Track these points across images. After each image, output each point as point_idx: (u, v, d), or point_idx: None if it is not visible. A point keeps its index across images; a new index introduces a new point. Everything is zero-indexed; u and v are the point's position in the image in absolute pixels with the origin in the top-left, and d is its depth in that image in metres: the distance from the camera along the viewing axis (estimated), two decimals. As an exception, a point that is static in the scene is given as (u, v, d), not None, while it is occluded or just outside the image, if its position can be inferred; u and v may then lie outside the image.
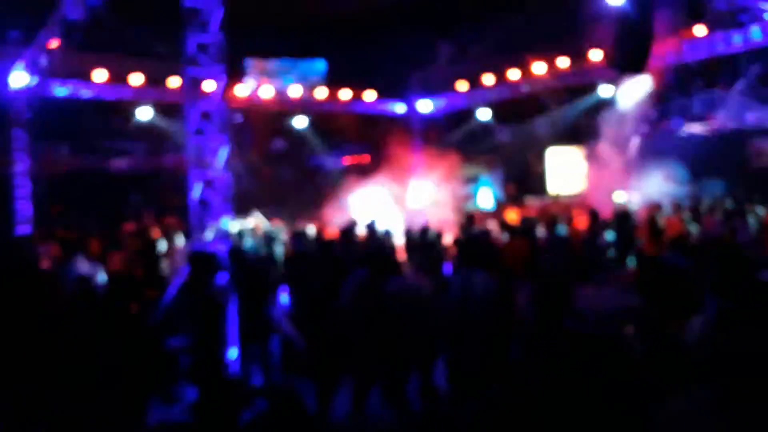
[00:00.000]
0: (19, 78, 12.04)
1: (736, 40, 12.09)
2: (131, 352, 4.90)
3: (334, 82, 17.19)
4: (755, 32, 11.65)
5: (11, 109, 12.37)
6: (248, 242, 10.06)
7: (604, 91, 14.71)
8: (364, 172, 17.36)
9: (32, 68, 11.81)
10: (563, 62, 14.42)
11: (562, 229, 9.77)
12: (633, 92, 14.30)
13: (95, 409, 4.40)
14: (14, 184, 12.38)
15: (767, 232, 9.80)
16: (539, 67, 14.67)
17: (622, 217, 10.47)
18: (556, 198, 16.00)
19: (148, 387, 5.12)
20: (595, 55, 13.64)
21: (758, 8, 11.09)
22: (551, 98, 16.45)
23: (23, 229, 12.16)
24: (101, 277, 6.63)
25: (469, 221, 10.80)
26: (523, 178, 17.03)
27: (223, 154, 6.65)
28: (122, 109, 15.71)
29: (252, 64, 17.66)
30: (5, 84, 11.96)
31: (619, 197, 13.57)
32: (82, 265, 6.86)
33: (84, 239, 8.33)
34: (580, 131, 15.48)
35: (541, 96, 16.28)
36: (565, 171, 16.48)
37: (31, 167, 12.66)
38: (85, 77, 13.66)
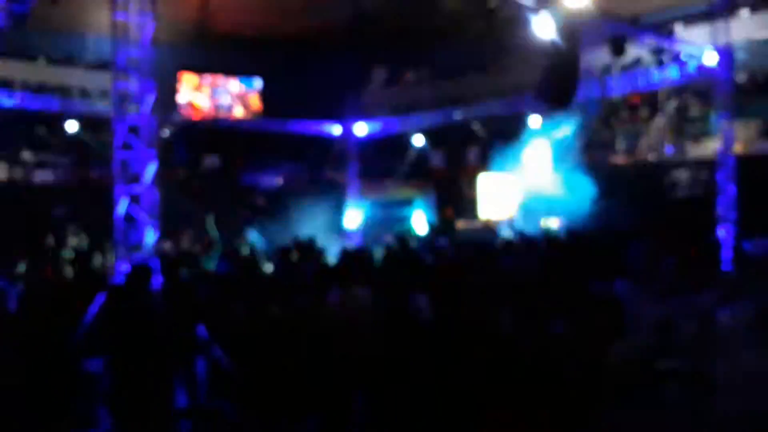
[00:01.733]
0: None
1: (656, 77, 12.81)
2: (44, 373, 4.70)
3: (270, 100, 17.13)
4: (673, 70, 12.39)
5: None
6: None
7: (533, 121, 15.18)
8: (299, 191, 17.31)
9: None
10: (493, 91, 14.87)
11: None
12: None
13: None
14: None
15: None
16: (470, 96, 15.07)
17: (549, 242, 10.77)
18: (487, 222, 16.33)
19: (63, 410, 4.92)
20: (525, 86, 14.12)
21: (675, 49, 11.78)
22: (483, 126, 16.88)
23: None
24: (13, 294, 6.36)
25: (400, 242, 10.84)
26: (456, 203, 17.31)
27: (151, 169, 6.49)
28: (47, 120, 15.13)
29: (187, 78, 17.41)
30: None
31: (546, 223, 14.01)
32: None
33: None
34: (511, 159, 15.88)
35: (474, 124, 16.69)
36: (497, 197, 16.86)
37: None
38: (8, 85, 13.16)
